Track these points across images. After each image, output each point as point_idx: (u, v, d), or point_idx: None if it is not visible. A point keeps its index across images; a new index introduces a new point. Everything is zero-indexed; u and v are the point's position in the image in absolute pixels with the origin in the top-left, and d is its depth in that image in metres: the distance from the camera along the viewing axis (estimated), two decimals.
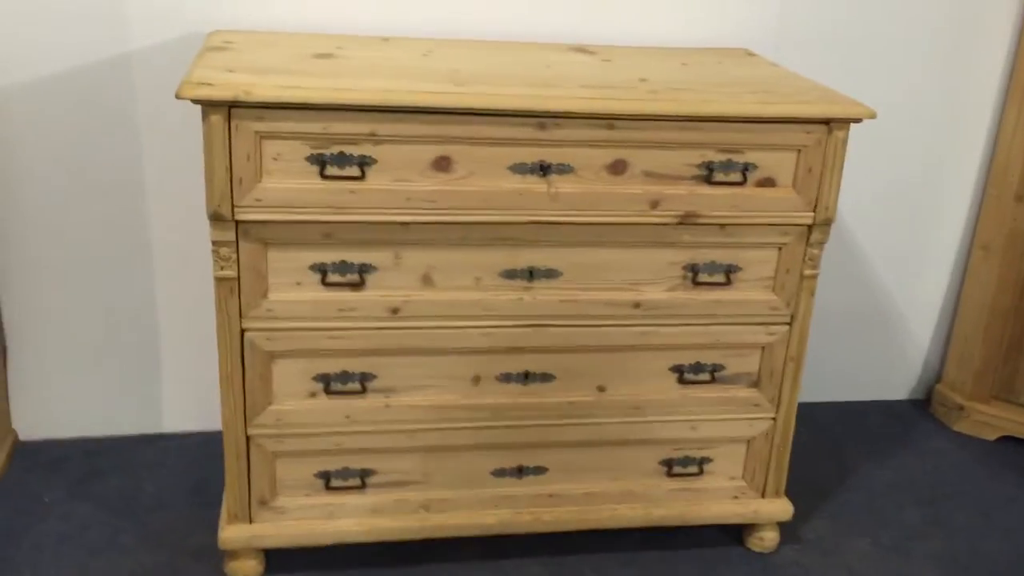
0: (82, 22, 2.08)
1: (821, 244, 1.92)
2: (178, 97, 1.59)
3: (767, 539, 2.15)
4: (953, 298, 2.77)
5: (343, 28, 2.16)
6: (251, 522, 1.93)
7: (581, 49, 2.15)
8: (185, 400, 2.44)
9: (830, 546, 2.20)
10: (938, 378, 2.84)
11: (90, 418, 2.40)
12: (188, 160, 2.21)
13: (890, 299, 2.75)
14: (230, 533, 1.92)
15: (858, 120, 1.81)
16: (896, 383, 2.87)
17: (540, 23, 2.24)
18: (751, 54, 2.26)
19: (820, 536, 2.23)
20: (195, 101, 1.60)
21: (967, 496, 2.42)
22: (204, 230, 2.23)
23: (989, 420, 2.69)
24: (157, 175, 2.23)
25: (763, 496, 2.12)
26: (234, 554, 1.95)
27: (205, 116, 1.63)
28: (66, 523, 2.11)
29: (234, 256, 1.73)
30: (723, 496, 2.10)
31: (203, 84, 1.60)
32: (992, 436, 2.69)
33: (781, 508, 2.13)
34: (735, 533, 2.19)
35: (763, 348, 1.99)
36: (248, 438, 1.87)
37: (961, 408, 2.71)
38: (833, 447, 2.59)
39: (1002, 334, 2.62)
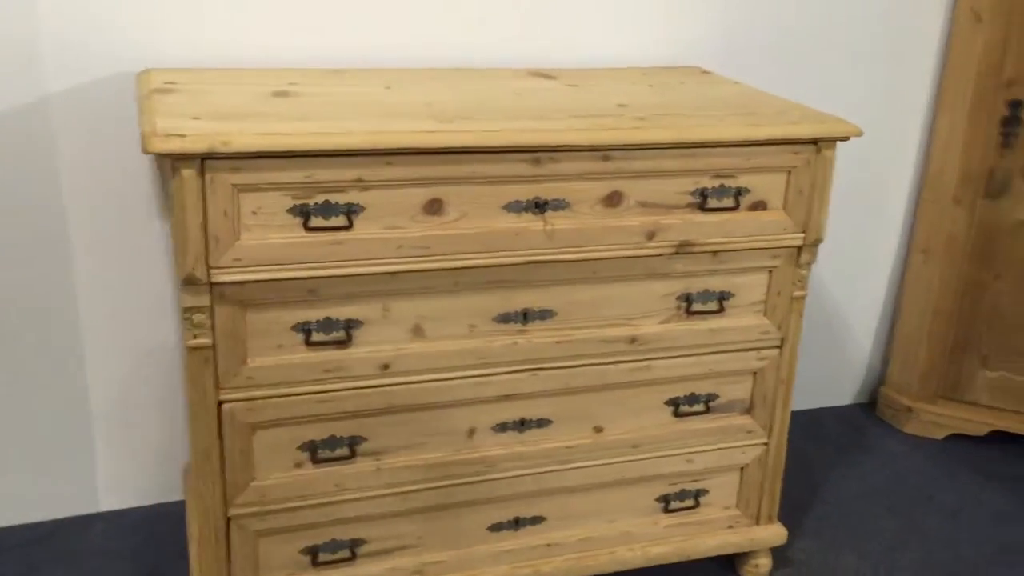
0: None
1: (810, 265, 1.89)
2: (147, 152, 1.42)
3: (762, 566, 2.11)
4: (893, 302, 2.82)
5: (283, 62, 2.00)
6: None
7: (542, 74, 2.07)
8: (123, 474, 2.22)
9: (819, 565, 2.18)
10: (881, 381, 2.88)
11: (23, 503, 2.15)
12: (119, 213, 2.02)
13: (833, 305, 2.77)
14: None
15: (845, 138, 1.79)
16: (842, 388, 2.90)
17: (484, 47, 2.13)
18: (706, 71, 2.22)
19: (808, 556, 2.21)
20: (165, 155, 1.43)
21: (933, 500, 2.46)
22: (136, 288, 2.06)
23: (937, 420, 2.74)
24: (86, 231, 2.02)
25: (757, 523, 2.08)
26: None
27: (175, 171, 1.46)
28: None
29: (208, 322, 1.56)
30: (719, 527, 2.05)
31: (173, 136, 1.43)
32: (941, 435, 2.74)
33: (775, 533, 2.09)
34: (727, 562, 2.14)
35: (755, 373, 1.95)
36: (228, 520, 1.69)
37: (909, 409, 2.76)
38: (797, 459, 2.58)
39: (946, 335, 2.68)
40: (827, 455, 2.60)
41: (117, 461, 2.21)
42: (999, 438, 2.68)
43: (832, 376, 2.86)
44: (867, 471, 2.56)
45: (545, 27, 2.17)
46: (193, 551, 1.91)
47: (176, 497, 2.28)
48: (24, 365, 2.07)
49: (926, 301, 2.68)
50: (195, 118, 1.54)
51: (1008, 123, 2.46)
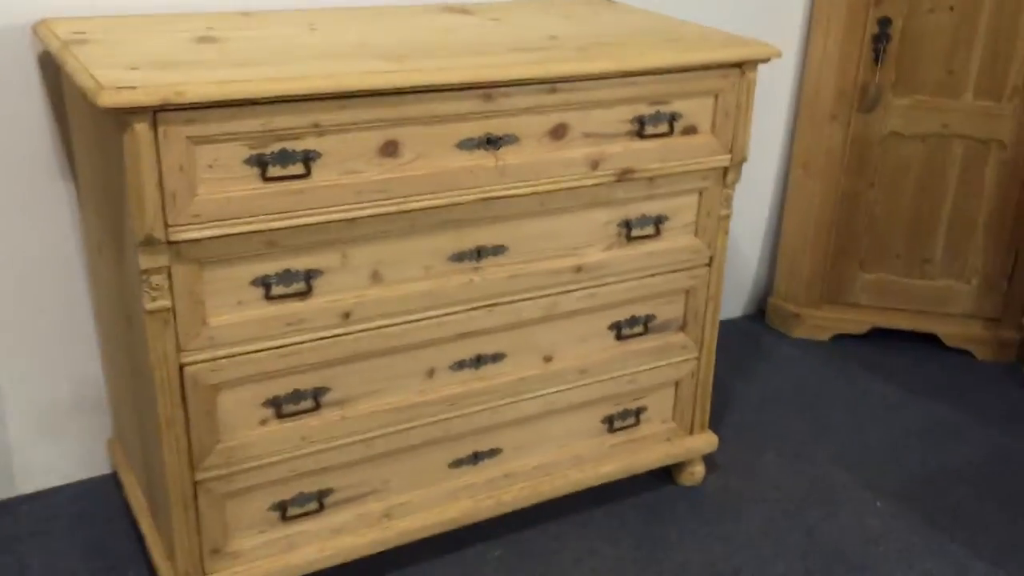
0: None
1: (734, 184, 1.97)
2: (98, 105, 1.33)
3: (697, 472, 2.23)
4: (776, 218, 2.98)
5: (185, 6, 1.90)
6: (205, 574, 1.71)
7: (458, 9, 2.05)
8: (41, 454, 2.10)
9: (744, 466, 2.32)
10: (769, 292, 3.05)
11: None
12: (23, 184, 1.89)
13: None
14: None
15: (767, 60, 1.87)
16: (733, 303, 3.05)
17: None
18: (612, 2, 2.25)
19: (732, 459, 2.34)
20: (116, 109, 1.34)
21: (832, 396, 2.64)
22: (43, 256, 1.93)
23: (822, 323, 2.94)
24: None
25: (691, 433, 2.19)
26: None
27: (126, 125, 1.37)
28: None
29: (166, 284, 1.49)
30: (659, 440, 2.15)
31: (124, 88, 1.34)
32: (826, 336, 2.94)
33: (708, 441, 2.21)
34: (665, 474, 2.24)
35: (687, 292, 2.03)
36: (195, 484, 1.64)
37: (797, 316, 2.94)
38: None
39: (827, 244, 2.86)
40: (729, 366, 2.74)
41: (33, 443, 2.08)
42: (878, 334, 2.90)
43: (725, 291, 3.00)
44: (767, 376, 2.73)
45: None
46: (145, 523, 1.86)
47: (100, 472, 2.18)
48: None
49: (807, 213, 2.85)
50: (132, 68, 1.45)
51: (878, 40, 2.62)
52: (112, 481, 2.16)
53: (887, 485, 2.27)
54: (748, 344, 2.90)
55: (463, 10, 2.04)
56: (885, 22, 2.60)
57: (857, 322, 2.92)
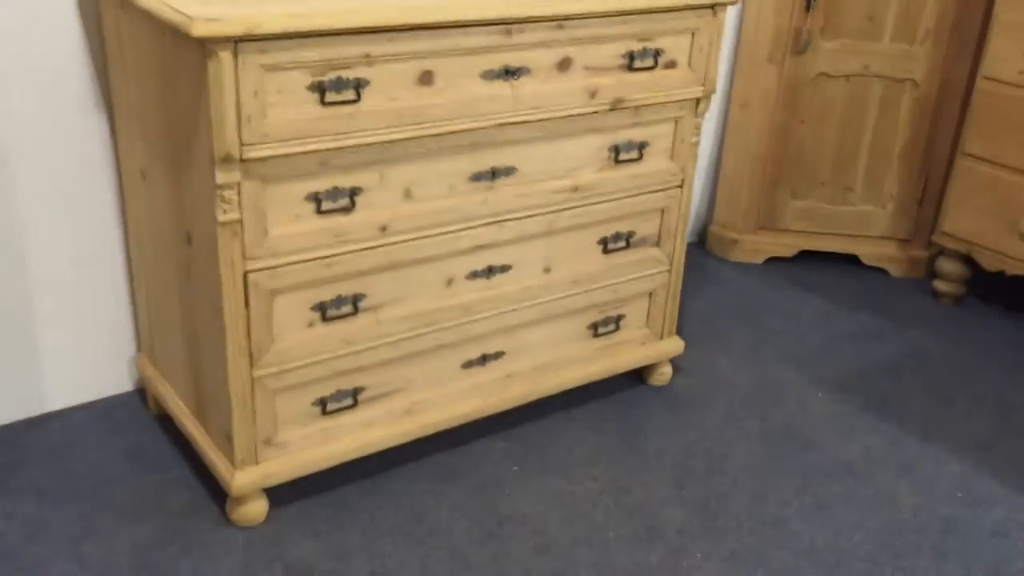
0: None
1: (704, 114, 2.25)
2: (191, 36, 1.51)
3: (665, 373, 2.53)
4: (717, 153, 3.28)
5: None
6: (257, 463, 1.92)
7: None
8: (65, 374, 2.25)
9: (704, 368, 2.63)
10: (708, 222, 3.36)
11: None
12: (52, 113, 2.02)
13: None
14: (242, 479, 1.90)
15: (735, 2, 2.14)
16: None
17: None
18: None
19: (692, 363, 2.64)
20: (205, 39, 1.52)
21: (770, 306, 2.98)
22: (75, 185, 2.07)
23: (757, 247, 3.26)
24: (20, 135, 2.00)
25: (662, 338, 2.47)
26: (240, 500, 1.93)
27: (212, 54, 1.55)
28: (18, 522, 1.93)
29: (236, 198, 1.68)
30: (635, 344, 2.43)
31: (212, 20, 1.52)
32: (760, 260, 3.27)
33: (676, 345, 2.50)
34: (637, 376, 2.53)
35: (662, 211, 2.31)
36: (253, 380, 1.84)
37: (735, 241, 3.26)
38: None
39: (762, 175, 3.18)
40: None
41: (58, 363, 2.23)
42: (804, 256, 3.25)
43: None
44: (712, 294, 3.04)
45: None
46: (189, 424, 2.04)
47: (123, 389, 2.34)
48: None
49: (745, 148, 3.16)
50: (206, 3, 1.62)
51: None
52: (137, 396, 2.33)
53: (826, 379, 2.61)
54: (693, 268, 3.20)
55: None
56: None
57: (787, 246, 3.26)
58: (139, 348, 2.30)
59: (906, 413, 2.48)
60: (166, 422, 2.22)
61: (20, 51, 1.94)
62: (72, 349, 2.23)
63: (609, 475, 2.19)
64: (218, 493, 2.01)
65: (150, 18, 1.68)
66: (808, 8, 2.94)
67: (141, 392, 2.34)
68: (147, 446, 2.16)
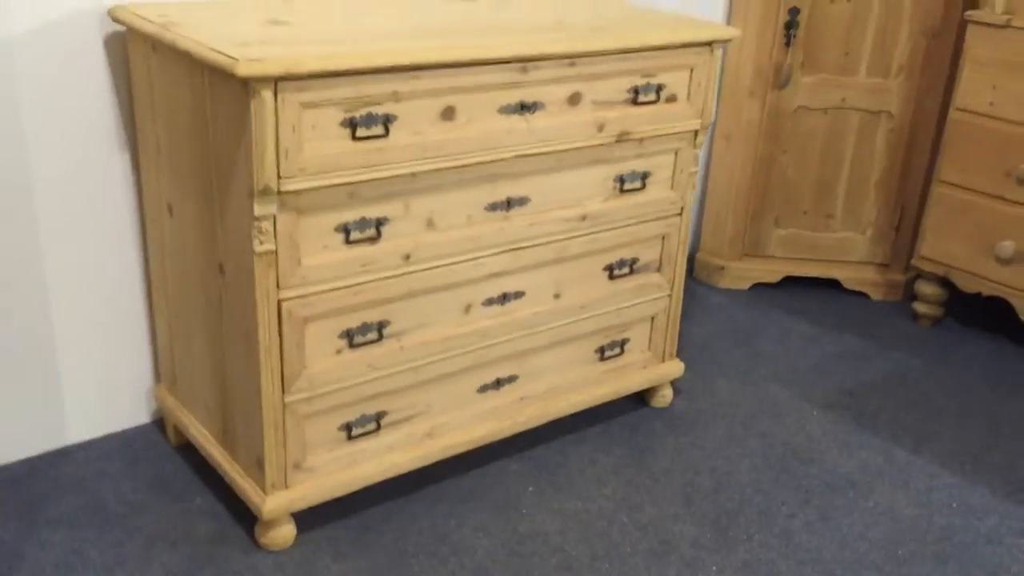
0: None
1: (701, 145, 2.36)
2: (236, 76, 1.58)
3: (667, 395, 2.62)
4: (703, 184, 3.40)
5: None
6: (287, 487, 1.97)
7: None
8: (86, 406, 2.29)
9: (703, 390, 2.72)
10: (696, 249, 3.47)
11: None
12: (81, 148, 2.09)
13: None
14: (273, 503, 1.95)
15: (729, 40, 2.26)
16: None
17: None
18: None
19: (691, 385, 2.74)
20: (250, 78, 1.60)
21: (759, 330, 3.08)
22: (98, 219, 2.13)
23: (743, 273, 3.38)
24: (47, 171, 2.06)
25: (663, 361, 2.57)
26: (270, 524, 1.98)
27: (255, 93, 1.63)
28: (54, 552, 1.96)
29: (272, 229, 1.76)
30: (638, 368, 2.52)
31: (255, 61, 1.60)
32: (746, 286, 3.39)
33: (676, 367, 2.60)
34: (639, 398, 2.61)
35: (663, 238, 2.41)
36: (284, 406, 1.90)
37: (722, 268, 3.38)
38: None
39: (747, 204, 3.30)
40: None
41: (83, 393, 2.27)
42: (789, 281, 3.37)
43: None
44: (703, 319, 3.15)
45: None
46: (215, 452, 2.09)
47: (141, 421, 2.38)
48: None
49: (730, 178, 3.29)
50: (243, 44, 1.70)
51: (789, 27, 3.07)
52: (154, 427, 2.37)
53: (818, 398, 2.72)
54: (683, 294, 3.30)
55: None
56: (794, 11, 3.05)
57: (772, 272, 3.37)
58: (157, 379, 2.35)
59: (897, 428, 2.59)
60: (186, 452, 2.27)
61: (50, 90, 2.00)
62: (93, 382, 2.28)
63: (620, 493, 2.26)
64: (244, 519, 2.06)
65: (187, 59, 1.75)
66: (788, 44, 3.08)
67: (158, 423, 2.38)
68: (170, 476, 2.21)
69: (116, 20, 1.95)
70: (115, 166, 2.14)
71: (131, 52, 2.02)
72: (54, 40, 1.98)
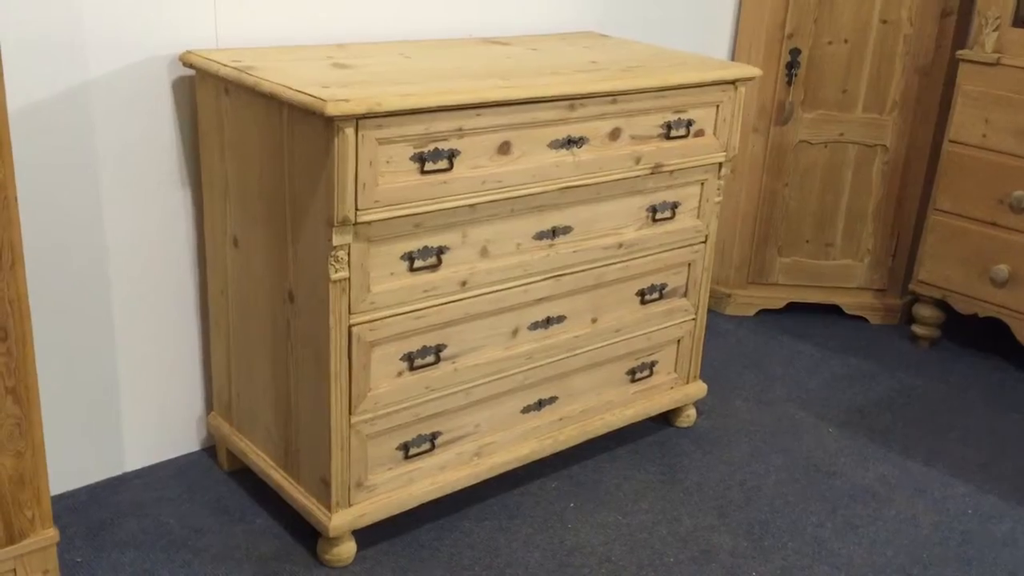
0: (36, 51, 1.96)
1: (726, 176, 2.51)
2: (325, 116, 1.70)
3: (691, 415, 2.74)
4: None
5: (281, 40, 2.26)
6: (350, 505, 2.06)
7: (497, 42, 2.50)
8: (144, 435, 2.37)
9: (721, 410, 2.85)
10: None
11: (55, 473, 2.23)
12: (150, 183, 2.18)
13: None
14: (338, 520, 2.04)
15: (752, 79, 2.42)
16: None
17: (432, 20, 2.52)
18: (604, 36, 2.76)
19: (711, 405, 2.87)
20: (335, 117, 1.72)
21: (769, 356, 3.23)
22: (161, 251, 2.23)
23: (749, 300, 3.53)
24: (114, 209, 2.16)
25: (688, 382, 2.69)
26: (334, 541, 2.07)
27: (339, 130, 1.75)
28: (125, 572, 2.03)
29: (347, 257, 1.87)
30: (664, 389, 2.64)
31: (341, 101, 1.72)
32: (752, 312, 3.54)
33: (700, 388, 2.73)
34: (663, 419, 2.74)
35: (689, 264, 2.55)
36: (351, 427, 2.00)
37: (729, 296, 3.52)
38: None
39: (752, 234, 3.46)
40: None
41: (141, 422, 2.35)
42: (793, 307, 3.53)
43: None
44: (715, 344, 3.28)
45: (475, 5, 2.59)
46: (275, 475, 2.18)
47: (191, 448, 2.46)
48: (57, 337, 2.16)
49: (736, 210, 3.44)
50: (324, 87, 1.82)
51: (790, 66, 3.25)
52: (205, 455, 2.45)
53: (831, 416, 2.86)
54: None
55: (503, 42, 2.49)
56: (796, 52, 3.23)
57: (777, 298, 3.53)
58: (209, 407, 2.43)
59: (908, 443, 2.73)
60: (240, 476, 2.35)
61: (119, 130, 2.11)
62: (151, 411, 2.35)
63: (657, 507, 2.38)
64: (304, 538, 2.15)
65: (265, 99, 1.86)
66: (790, 83, 3.26)
67: (208, 450, 2.46)
68: (227, 499, 2.29)
69: (187, 64, 2.07)
70: (177, 202, 2.24)
71: (200, 94, 2.13)
72: (126, 83, 2.08)
